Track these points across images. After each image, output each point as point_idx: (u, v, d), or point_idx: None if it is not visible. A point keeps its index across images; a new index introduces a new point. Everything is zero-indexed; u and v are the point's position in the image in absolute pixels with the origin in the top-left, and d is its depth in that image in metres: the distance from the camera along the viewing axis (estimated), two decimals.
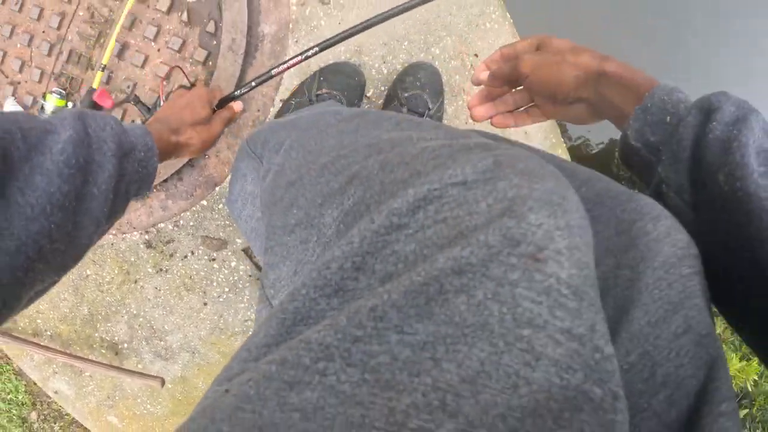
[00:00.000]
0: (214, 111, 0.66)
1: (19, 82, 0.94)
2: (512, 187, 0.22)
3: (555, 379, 0.18)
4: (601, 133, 1.39)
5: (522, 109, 0.49)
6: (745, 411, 1.02)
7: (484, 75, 0.49)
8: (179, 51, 0.88)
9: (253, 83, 0.62)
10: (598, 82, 0.39)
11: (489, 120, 0.50)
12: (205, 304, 0.96)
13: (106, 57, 0.85)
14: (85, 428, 1.14)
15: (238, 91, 0.64)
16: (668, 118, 0.33)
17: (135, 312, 0.99)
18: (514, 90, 0.49)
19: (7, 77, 0.94)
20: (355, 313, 0.20)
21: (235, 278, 0.95)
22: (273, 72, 0.59)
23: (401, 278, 0.21)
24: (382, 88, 0.95)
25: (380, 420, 0.17)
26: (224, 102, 0.66)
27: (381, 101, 0.95)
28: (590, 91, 0.39)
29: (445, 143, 0.27)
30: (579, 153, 1.44)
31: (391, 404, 0.17)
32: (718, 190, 0.28)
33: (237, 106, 0.67)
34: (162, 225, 0.94)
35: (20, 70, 0.93)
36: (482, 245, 0.20)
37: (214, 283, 0.95)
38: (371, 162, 0.28)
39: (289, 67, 0.58)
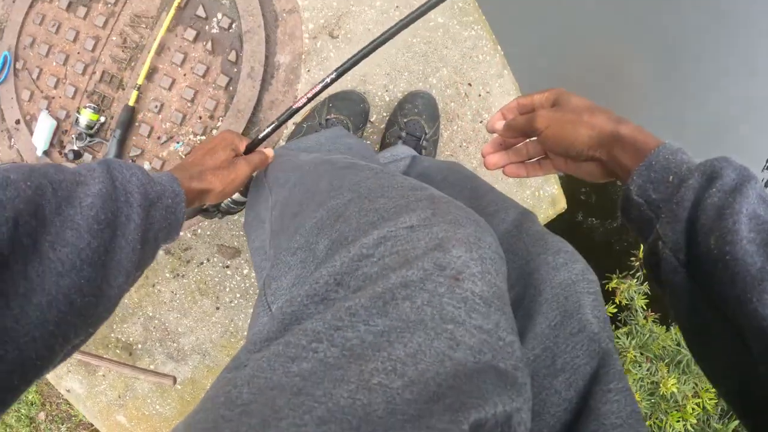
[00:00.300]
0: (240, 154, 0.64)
1: (53, 97, 1.02)
2: (442, 231, 0.31)
3: (470, 357, 0.27)
4: None
5: (534, 160, 0.49)
6: (736, 422, 1.06)
7: (500, 125, 0.49)
8: (203, 76, 0.97)
9: (276, 122, 0.61)
10: (611, 144, 0.39)
11: (502, 168, 0.50)
12: (218, 308, 1.03)
13: (141, 78, 0.94)
14: (94, 429, 1.19)
15: (264, 133, 0.62)
16: (671, 177, 0.34)
17: (151, 314, 1.06)
18: (527, 140, 0.49)
19: (42, 92, 1.03)
20: (337, 311, 0.28)
21: (247, 285, 1.02)
22: (294, 106, 0.59)
23: (367, 289, 0.29)
24: (384, 114, 1.04)
25: (353, 377, 0.25)
26: (252, 147, 0.63)
27: (383, 126, 1.04)
28: (603, 152, 0.40)
29: (405, 193, 0.37)
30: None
31: (361, 368, 0.25)
32: (709, 252, 0.30)
33: (269, 152, 0.65)
34: (181, 233, 1.02)
35: (55, 86, 1.01)
36: (420, 269, 0.29)
37: (227, 289, 1.03)
38: (352, 206, 0.38)
39: (309, 99, 0.59)
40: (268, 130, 0.62)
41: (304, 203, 0.44)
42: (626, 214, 0.38)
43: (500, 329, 0.29)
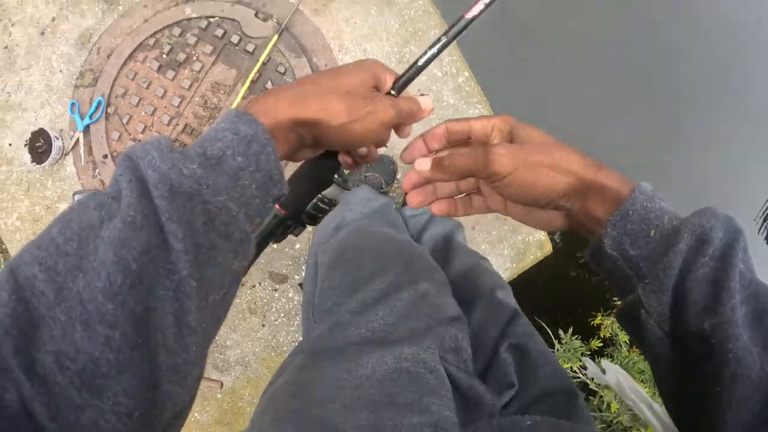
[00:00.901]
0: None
1: (139, 140, 1.22)
2: (415, 274, 0.57)
3: (435, 334, 0.51)
4: None
5: (464, 195, 0.42)
6: None
7: (425, 164, 0.38)
8: None
9: (446, 38, 0.40)
10: (588, 195, 0.35)
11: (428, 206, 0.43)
12: (263, 325, 1.21)
13: None
14: None
15: (426, 56, 0.40)
16: (652, 231, 0.31)
17: None
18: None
19: (130, 134, 1.23)
20: (368, 314, 0.53)
21: (290, 306, 1.21)
22: (468, 15, 0.38)
23: (380, 304, 0.53)
24: None
25: (381, 343, 0.50)
26: (404, 83, 0.40)
27: None
28: (577, 202, 0.35)
29: (394, 253, 0.63)
30: None
31: (385, 340, 0.49)
32: (702, 333, 0.28)
33: (425, 101, 0.42)
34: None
35: (142, 132, 1.22)
36: (406, 291, 0.54)
37: (273, 309, 1.21)
38: (365, 257, 0.62)
39: (487, 5, 0.38)
40: (433, 50, 0.40)
41: (337, 260, 0.70)
42: (597, 263, 0.35)
43: (451, 326, 0.54)
